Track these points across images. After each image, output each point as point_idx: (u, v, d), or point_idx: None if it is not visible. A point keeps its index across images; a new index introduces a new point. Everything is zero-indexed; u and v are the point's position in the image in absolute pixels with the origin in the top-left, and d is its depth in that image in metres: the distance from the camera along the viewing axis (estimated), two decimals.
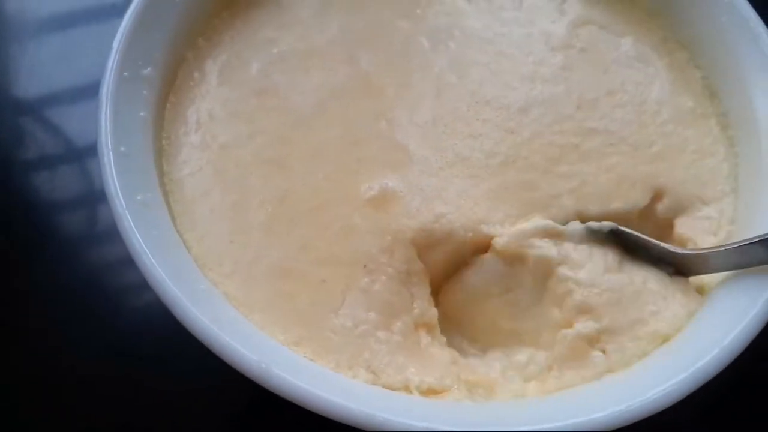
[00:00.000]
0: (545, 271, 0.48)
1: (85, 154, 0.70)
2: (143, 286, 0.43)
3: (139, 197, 0.46)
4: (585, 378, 0.46)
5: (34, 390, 0.57)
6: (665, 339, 0.46)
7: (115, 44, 0.50)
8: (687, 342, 0.45)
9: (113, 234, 0.45)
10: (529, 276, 0.48)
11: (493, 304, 0.50)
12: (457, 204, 0.51)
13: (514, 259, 0.49)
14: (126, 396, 0.56)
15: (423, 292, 0.49)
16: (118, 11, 0.51)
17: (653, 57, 0.60)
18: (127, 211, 0.44)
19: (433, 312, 0.49)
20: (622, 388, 0.43)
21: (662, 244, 0.50)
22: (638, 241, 0.50)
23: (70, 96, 0.73)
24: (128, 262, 0.43)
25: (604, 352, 0.45)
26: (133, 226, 0.44)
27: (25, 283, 0.62)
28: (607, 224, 0.50)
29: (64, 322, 0.60)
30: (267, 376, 0.40)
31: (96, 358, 0.58)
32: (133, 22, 0.51)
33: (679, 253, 0.49)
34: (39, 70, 0.74)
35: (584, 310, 0.46)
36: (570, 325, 0.46)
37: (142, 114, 0.50)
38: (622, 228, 0.50)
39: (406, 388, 0.44)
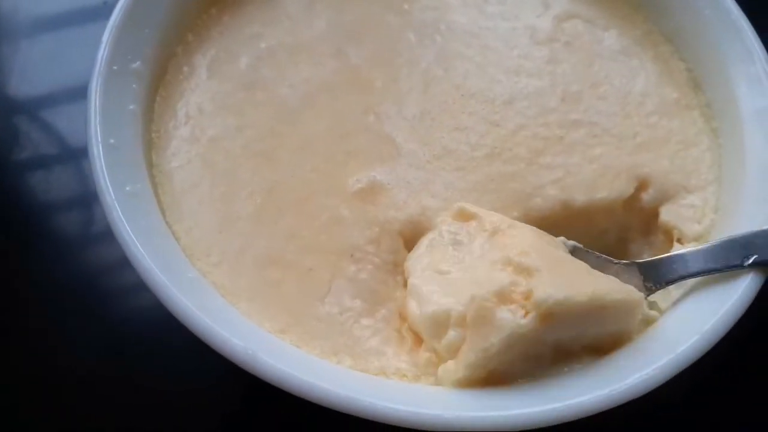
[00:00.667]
0: (496, 229, 0.47)
1: (79, 154, 0.69)
2: (140, 285, 0.43)
3: (128, 188, 0.46)
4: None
5: (33, 390, 0.56)
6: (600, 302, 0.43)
7: (105, 38, 0.51)
8: (668, 327, 0.46)
9: (110, 233, 0.45)
10: (480, 231, 0.48)
11: (439, 251, 0.49)
12: (444, 196, 0.52)
13: (468, 218, 0.49)
14: (125, 396, 0.56)
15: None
16: (111, 10, 0.51)
17: (637, 50, 0.60)
18: (116, 202, 0.45)
19: None
20: (604, 374, 0.43)
21: (623, 262, 0.50)
22: (598, 261, 0.50)
23: (64, 96, 0.73)
24: (125, 261, 0.44)
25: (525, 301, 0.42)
26: (122, 216, 0.44)
27: (21, 283, 0.62)
28: (570, 243, 0.50)
29: (60, 322, 0.60)
30: (253, 362, 0.40)
31: (94, 358, 0.57)
32: (122, 16, 0.52)
33: (642, 262, 0.49)
34: (32, 70, 0.74)
35: (524, 253, 0.44)
36: (506, 264, 0.44)
37: (131, 107, 0.50)
38: (584, 248, 0.50)
39: (384, 374, 0.45)
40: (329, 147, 0.53)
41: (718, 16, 0.57)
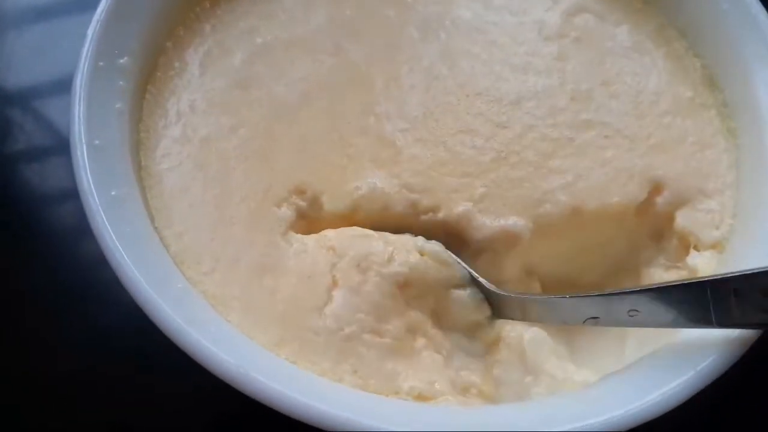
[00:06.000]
0: None
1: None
2: None
3: (113, 192, 0.44)
4: None
5: (26, 384, 0.56)
6: None
7: (90, 32, 0.48)
8: (689, 343, 0.43)
9: None
10: None
11: None
12: (448, 204, 0.49)
13: None
14: (121, 392, 0.55)
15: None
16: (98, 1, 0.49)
17: (650, 46, 0.58)
18: (100, 208, 0.42)
19: (424, 318, 0.48)
20: (622, 390, 0.41)
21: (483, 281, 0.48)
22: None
23: (57, 87, 0.72)
24: None
25: None
26: (106, 223, 0.42)
27: (14, 276, 0.61)
28: None
29: (55, 315, 0.59)
30: (245, 380, 0.38)
31: (89, 352, 0.57)
32: (108, 9, 0.49)
33: (494, 293, 0.48)
34: (21, 61, 0.73)
35: None
36: None
37: (118, 106, 0.48)
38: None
39: (396, 395, 0.42)
40: (327, 149, 0.50)
41: (736, 11, 0.54)
